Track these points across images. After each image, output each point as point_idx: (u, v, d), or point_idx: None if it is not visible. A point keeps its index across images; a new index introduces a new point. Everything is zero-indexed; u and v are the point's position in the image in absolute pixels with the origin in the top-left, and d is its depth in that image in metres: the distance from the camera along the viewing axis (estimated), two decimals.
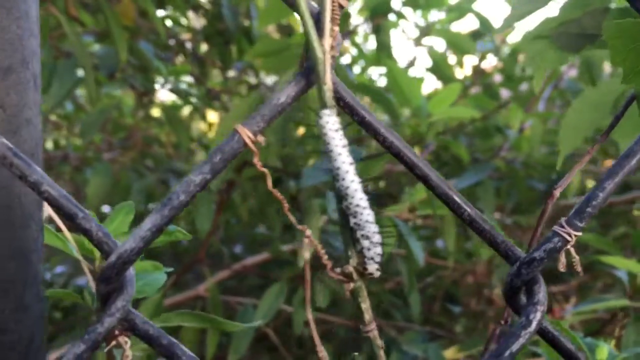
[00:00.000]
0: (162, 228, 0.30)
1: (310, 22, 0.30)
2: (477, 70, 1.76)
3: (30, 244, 0.39)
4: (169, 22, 1.61)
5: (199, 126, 2.12)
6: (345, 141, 0.30)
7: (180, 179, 1.51)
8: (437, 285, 1.62)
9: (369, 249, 0.31)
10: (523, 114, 1.48)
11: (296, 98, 0.31)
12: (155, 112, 1.86)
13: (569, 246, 0.32)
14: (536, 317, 0.32)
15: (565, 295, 1.71)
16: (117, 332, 0.50)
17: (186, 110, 1.86)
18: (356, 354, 0.32)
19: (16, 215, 0.38)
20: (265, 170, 0.31)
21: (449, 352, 1.35)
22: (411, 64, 1.64)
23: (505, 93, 1.80)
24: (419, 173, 0.34)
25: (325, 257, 0.32)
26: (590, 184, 1.92)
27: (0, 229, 0.37)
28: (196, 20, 1.79)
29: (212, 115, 2.00)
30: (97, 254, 0.56)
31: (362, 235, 0.31)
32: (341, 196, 0.31)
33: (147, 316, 0.59)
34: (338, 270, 0.32)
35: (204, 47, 1.76)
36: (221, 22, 1.56)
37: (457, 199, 0.34)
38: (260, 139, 0.30)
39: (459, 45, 1.49)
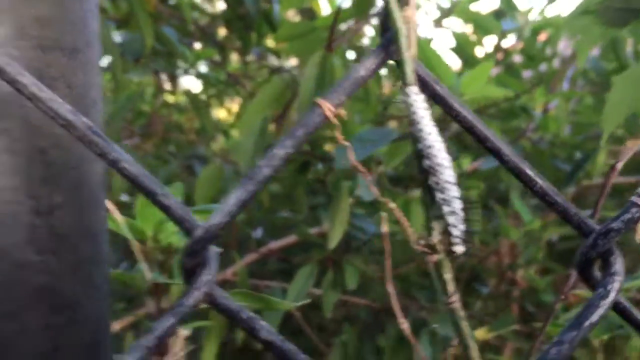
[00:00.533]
0: (247, 202, 0.30)
1: None
2: (499, 50, 1.74)
3: (98, 224, 0.40)
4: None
5: (217, 112, 2.12)
6: (432, 119, 0.31)
7: (204, 165, 1.52)
8: (461, 266, 1.62)
9: (455, 226, 0.31)
10: (547, 94, 1.47)
11: (376, 71, 0.32)
12: (174, 99, 1.86)
13: None
14: (614, 287, 0.32)
15: None
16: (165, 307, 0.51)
17: (204, 97, 1.86)
18: (437, 325, 0.33)
19: (85, 195, 0.39)
20: (347, 143, 0.31)
21: (479, 333, 1.35)
22: (430, 42, 1.63)
23: (526, 74, 1.79)
24: (490, 146, 0.34)
25: (411, 230, 0.32)
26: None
27: (71, 208, 0.37)
28: (214, 5, 1.79)
29: (231, 102, 2.00)
30: (149, 235, 0.57)
31: (449, 212, 0.31)
32: (430, 173, 0.31)
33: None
34: (422, 242, 0.32)
35: (222, 32, 1.76)
36: (242, 7, 1.56)
37: (529, 172, 0.34)
38: (342, 112, 0.30)
39: (483, 25, 1.48)
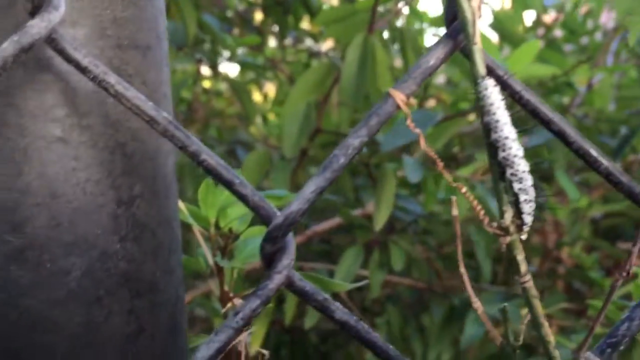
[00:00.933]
0: (324, 189, 0.31)
1: None
2: (540, 25, 1.72)
3: (172, 212, 0.42)
4: None
5: (256, 97, 2.14)
6: (505, 113, 0.32)
7: (248, 150, 1.54)
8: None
9: (526, 202, 0.32)
10: (591, 68, 1.45)
11: (445, 60, 0.33)
12: (214, 85, 1.88)
13: None
14: None
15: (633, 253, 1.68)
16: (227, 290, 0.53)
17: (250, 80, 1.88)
18: (505, 304, 0.34)
19: (160, 185, 0.41)
20: (419, 131, 0.32)
21: (524, 311, 1.36)
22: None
23: (567, 47, 1.76)
24: (555, 129, 0.35)
25: (482, 212, 0.33)
26: None
27: (149, 198, 0.39)
28: None
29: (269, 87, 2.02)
30: (212, 221, 0.59)
31: (520, 189, 0.32)
32: (506, 165, 0.32)
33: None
34: (495, 224, 0.33)
35: (258, 17, 1.77)
36: None
37: (593, 152, 0.35)
38: (412, 101, 0.32)
39: (526, 2, 1.46)
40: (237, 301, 0.60)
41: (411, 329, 1.48)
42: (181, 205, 0.57)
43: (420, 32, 1.69)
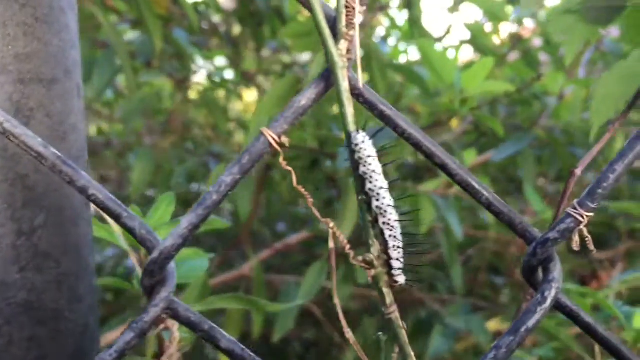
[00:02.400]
0: (198, 226, 0.32)
1: (326, 30, 0.32)
2: (515, 37, 1.73)
3: (81, 239, 0.43)
4: (202, 7, 1.64)
5: (237, 107, 2.14)
6: (379, 163, 0.33)
7: (219, 162, 1.55)
8: (480, 257, 1.62)
9: (394, 248, 0.33)
10: (564, 79, 1.46)
11: (316, 100, 0.34)
12: (194, 96, 1.89)
13: (581, 226, 0.33)
14: (551, 294, 0.34)
15: (611, 261, 1.70)
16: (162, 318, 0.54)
17: (222, 92, 1.89)
18: (380, 333, 0.35)
19: (67, 215, 0.41)
20: (290, 169, 0.33)
21: (492, 324, 1.37)
22: (447, 32, 1.64)
23: (544, 57, 1.77)
24: (438, 162, 0.36)
25: (348, 246, 0.34)
26: None
27: (53, 228, 0.40)
28: (228, 2, 1.81)
29: (250, 95, 2.02)
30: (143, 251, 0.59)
31: (390, 236, 0.34)
32: (378, 214, 0.34)
33: (193, 298, 0.63)
34: (360, 258, 0.34)
35: (237, 29, 1.78)
36: (253, 3, 1.58)
37: (475, 184, 0.36)
38: (284, 139, 0.33)
39: (494, 12, 1.48)
40: (170, 322, 0.62)
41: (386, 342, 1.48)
42: (115, 227, 0.58)
43: (398, 41, 1.71)
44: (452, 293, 1.51)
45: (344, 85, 0.32)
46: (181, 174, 1.51)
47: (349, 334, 0.34)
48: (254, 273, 1.30)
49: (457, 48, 1.60)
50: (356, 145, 0.34)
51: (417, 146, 0.36)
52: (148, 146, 1.63)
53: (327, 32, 0.32)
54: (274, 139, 0.32)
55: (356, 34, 0.32)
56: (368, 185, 0.34)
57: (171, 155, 1.63)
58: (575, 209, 0.33)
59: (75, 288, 0.42)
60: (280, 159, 0.33)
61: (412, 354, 0.34)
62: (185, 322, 0.34)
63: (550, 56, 1.72)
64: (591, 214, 0.33)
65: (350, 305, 1.42)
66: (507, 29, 1.72)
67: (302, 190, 0.33)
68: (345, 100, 0.33)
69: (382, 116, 0.35)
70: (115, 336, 1.08)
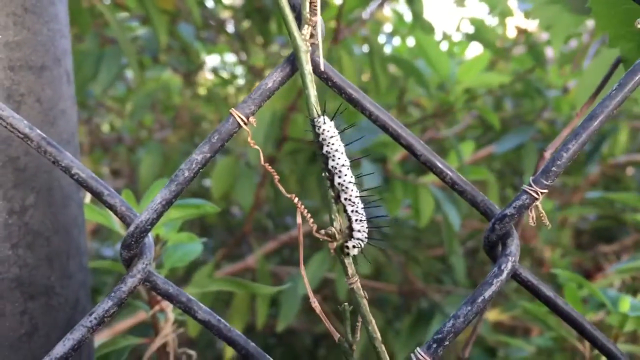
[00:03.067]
0: (172, 201, 0.34)
1: (290, 15, 0.34)
2: (521, 30, 1.74)
3: (71, 220, 0.45)
4: (210, 3, 1.66)
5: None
6: (341, 143, 0.35)
7: (225, 155, 1.57)
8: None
9: (357, 221, 0.35)
10: (569, 72, 1.46)
11: (282, 83, 0.36)
12: (202, 91, 1.92)
13: (537, 203, 0.35)
14: (507, 266, 0.35)
15: (617, 254, 1.70)
16: (154, 294, 0.56)
17: (232, 87, 1.91)
18: (345, 304, 0.37)
19: (57, 195, 0.44)
20: (257, 147, 0.35)
21: (492, 314, 1.38)
22: (457, 28, 1.65)
23: (551, 51, 1.77)
24: (404, 142, 0.37)
25: (312, 220, 0.36)
26: None
27: (44, 208, 0.42)
28: None
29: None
30: None
31: (352, 211, 0.35)
32: (340, 190, 0.36)
33: (198, 286, 0.65)
34: (323, 231, 0.36)
35: (245, 25, 1.80)
36: None
37: (439, 164, 0.37)
38: (252, 120, 0.35)
39: (493, 3, 1.49)
40: (164, 303, 0.64)
41: (391, 333, 1.51)
42: (110, 211, 0.60)
43: (404, 38, 1.72)
44: (456, 285, 1.52)
45: (307, 69, 0.34)
46: None
47: (314, 303, 0.36)
48: (258, 264, 1.33)
49: (464, 43, 1.61)
50: (319, 127, 0.36)
51: (384, 128, 0.37)
52: (157, 141, 1.66)
53: (290, 17, 0.34)
54: (242, 119, 0.34)
55: (319, 19, 0.34)
56: (330, 163, 0.36)
57: (180, 149, 1.66)
58: (530, 186, 0.35)
59: (65, 266, 0.44)
60: (249, 139, 0.35)
61: (373, 321, 0.36)
62: (164, 294, 0.36)
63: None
64: (545, 191, 0.35)
65: (348, 299, 1.43)
66: (513, 23, 1.73)
67: (270, 168, 0.35)
68: (308, 82, 0.35)
69: (350, 99, 0.37)
70: (122, 327, 1.11)
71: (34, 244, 0.41)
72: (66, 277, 0.44)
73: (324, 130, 0.35)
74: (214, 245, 1.66)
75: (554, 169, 0.35)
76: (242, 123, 0.34)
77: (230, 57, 1.77)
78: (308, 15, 0.34)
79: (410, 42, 1.74)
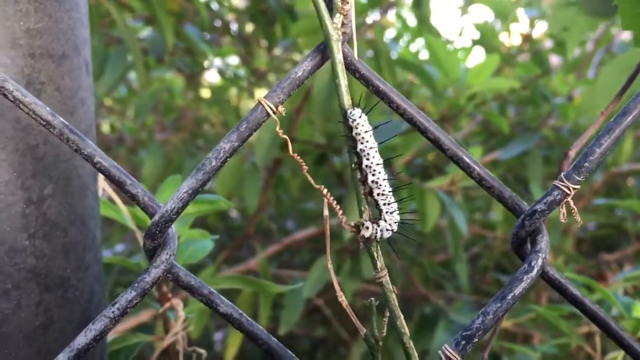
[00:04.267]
0: (198, 190, 0.34)
1: (322, 3, 0.33)
2: (526, 38, 1.74)
3: (88, 211, 0.44)
4: (214, 5, 1.65)
5: (248, 104, 2.16)
6: (374, 141, 0.34)
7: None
8: (488, 256, 1.63)
9: (391, 215, 0.35)
10: (574, 80, 1.46)
11: (312, 72, 0.35)
12: (205, 93, 1.92)
13: (568, 199, 0.34)
14: (537, 263, 0.35)
15: (619, 263, 1.70)
16: (165, 291, 0.55)
17: (234, 90, 1.91)
18: (372, 299, 0.36)
19: (75, 185, 0.43)
20: (286, 137, 0.34)
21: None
22: (460, 34, 1.65)
23: (556, 59, 1.78)
24: (431, 137, 0.37)
25: (340, 212, 0.35)
26: None
27: (61, 198, 0.42)
28: (241, 1, 1.83)
29: (261, 93, 2.04)
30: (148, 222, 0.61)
31: (387, 212, 0.35)
32: (373, 187, 0.35)
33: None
34: (352, 223, 0.36)
35: (249, 28, 1.80)
36: (264, 2, 1.60)
37: (466, 159, 0.37)
38: (281, 109, 0.34)
39: (503, 13, 1.49)
40: (175, 301, 0.63)
41: (392, 339, 1.50)
42: (122, 206, 0.60)
43: (409, 43, 1.72)
44: (458, 291, 1.52)
45: (338, 58, 0.34)
46: (191, 170, 1.52)
47: (341, 297, 0.35)
48: (260, 267, 1.32)
49: (469, 49, 1.61)
50: (353, 121, 0.35)
51: (411, 121, 0.37)
52: (159, 142, 1.66)
53: (322, 5, 0.33)
54: (270, 108, 0.34)
55: (352, 8, 0.33)
56: (365, 162, 0.35)
57: (182, 150, 1.65)
58: (562, 181, 0.34)
59: (81, 257, 0.43)
60: (277, 128, 0.34)
61: (402, 316, 0.35)
62: (186, 286, 0.36)
63: (560, 57, 1.73)
64: (577, 187, 0.34)
65: (357, 302, 1.43)
66: (518, 29, 1.73)
67: (302, 162, 0.35)
68: (339, 72, 0.34)
69: (377, 91, 0.36)
70: (124, 327, 1.10)
71: (51, 234, 0.41)
72: (82, 269, 0.43)
73: (358, 124, 0.34)
74: (214, 248, 1.65)
75: (586, 164, 0.34)
76: (271, 112, 0.33)
77: (234, 60, 1.77)
78: (340, 4, 0.33)
79: (414, 47, 1.75)
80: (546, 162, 1.45)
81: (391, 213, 0.35)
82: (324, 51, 0.35)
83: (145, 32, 1.55)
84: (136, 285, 0.33)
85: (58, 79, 0.42)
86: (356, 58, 0.35)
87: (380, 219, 0.35)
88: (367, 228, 0.34)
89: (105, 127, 2.06)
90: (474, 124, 1.54)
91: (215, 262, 1.37)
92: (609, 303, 0.75)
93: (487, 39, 1.55)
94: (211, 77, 1.88)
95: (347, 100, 0.35)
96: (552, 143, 1.48)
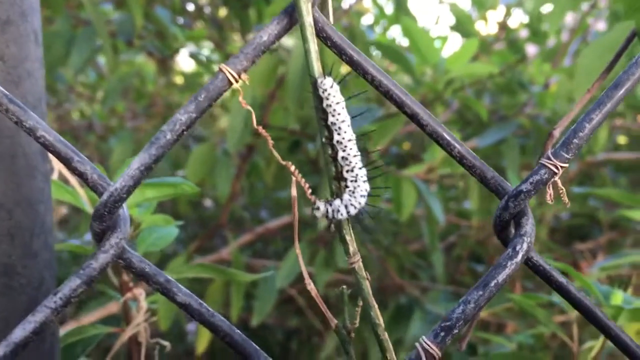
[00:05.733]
0: (151, 166, 0.31)
1: None
2: (502, 26, 1.73)
3: (37, 194, 0.41)
4: None
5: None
6: (347, 114, 0.32)
7: (201, 144, 1.53)
8: (462, 245, 1.62)
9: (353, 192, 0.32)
10: (550, 69, 1.45)
11: (279, 36, 0.32)
12: (178, 79, 1.87)
13: (555, 178, 0.32)
14: (522, 247, 0.32)
15: (593, 252, 1.70)
16: (126, 280, 0.52)
17: (207, 76, 1.87)
18: (344, 287, 0.33)
19: (20, 164, 0.39)
20: (249, 108, 0.31)
21: None
22: (436, 22, 1.63)
23: (532, 49, 1.77)
24: (409, 111, 0.34)
25: (310, 191, 0.32)
26: (622, 140, 1.90)
27: (5, 177, 0.38)
28: None
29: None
30: None
31: (351, 189, 0.32)
32: (343, 165, 0.32)
33: (173, 273, 0.61)
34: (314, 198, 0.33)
35: (223, 12, 1.76)
36: None
37: (446, 136, 0.34)
38: (244, 77, 0.31)
39: (481, 0, 1.47)
40: (137, 291, 0.60)
41: (366, 328, 1.48)
42: (78, 189, 0.56)
43: (385, 29, 1.70)
44: (433, 281, 1.50)
45: (308, 20, 0.31)
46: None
47: (310, 285, 0.32)
48: (232, 256, 1.29)
49: (445, 37, 1.59)
50: (324, 91, 0.32)
51: (388, 94, 0.34)
52: (129, 129, 1.61)
53: None
54: (232, 75, 0.30)
55: None
56: (336, 137, 0.32)
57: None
58: (549, 159, 0.32)
59: (29, 243, 0.40)
60: (240, 98, 0.31)
61: (376, 306, 0.32)
62: (140, 273, 0.32)
63: (537, 46, 1.72)
64: (566, 165, 0.32)
65: (330, 292, 1.41)
66: (494, 18, 1.71)
67: (268, 136, 0.31)
68: (309, 35, 0.31)
69: (351, 62, 0.33)
70: (89, 320, 1.06)
71: None
72: (29, 255, 0.39)
73: (329, 94, 0.31)
74: (185, 238, 1.61)
75: (575, 141, 0.32)
76: (232, 80, 0.30)
77: (207, 44, 1.73)
78: None
79: (391, 33, 1.72)
80: (522, 151, 1.44)
81: (357, 188, 0.32)
82: (292, 14, 0.32)
83: (115, 15, 1.50)
84: (81, 272, 0.30)
85: (1, 46, 0.38)
86: (329, 23, 0.32)
87: (343, 194, 0.32)
88: (319, 208, 0.31)
89: (75, 114, 2.00)
90: (450, 112, 1.52)
91: (187, 251, 1.34)
92: (586, 291, 0.73)
93: (463, 24, 1.53)
94: (183, 63, 1.83)
95: (317, 67, 0.32)
96: (528, 132, 1.47)
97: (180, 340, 1.50)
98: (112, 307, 1.08)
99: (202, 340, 1.27)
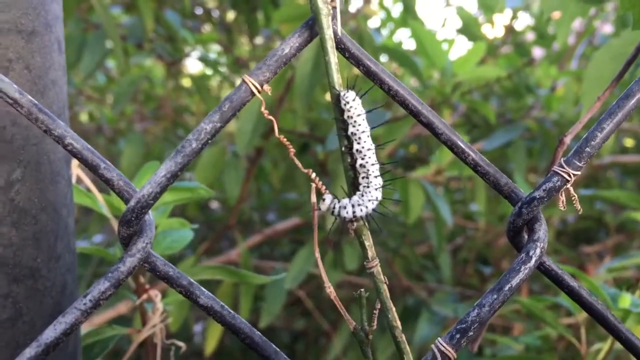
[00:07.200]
0: (177, 174, 0.32)
1: None
2: (509, 29, 1.74)
3: (60, 198, 0.42)
4: None
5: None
6: (367, 124, 0.33)
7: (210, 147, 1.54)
8: (469, 247, 1.63)
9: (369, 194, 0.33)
10: (556, 72, 1.46)
11: (300, 49, 0.33)
12: (186, 83, 1.88)
13: (568, 185, 0.33)
14: (536, 253, 0.33)
15: (599, 255, 1.70)
16: (142, 282, 0.53)
17: (215, 80, 1.88)
18: (361, 290, 0.34)
19: (46, 171, 0.40)
20: (271, 117, 0.32)
21: None
22: (442, 25, 1.64)
23: (538, 52, 1.77)
24: (424, 120, 0.35)
25: (327, 191, 0.33)
26: (629, 142, 1.90)
27: (31, 183, 0.39)
28: None
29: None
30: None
31: (370, 196, 0.33)
32: (362, 172, 0.33)
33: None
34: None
35: (231, 16, 1.77)
36: None
37: (461, 144, 0.35)
38: (267, 88, 0.32)
39: (487, 3, 1.47)
40: (153, 292, 0.61)
41: (375, 330, 1.48)
42: (96, 194, 0.57)
43: (392, 32, 1.71)
44: (440, 283, 1.51)
45: (329, 33, 0.32)
46: None
47: (329, 289, 0.33)
48: (241, 258, 1.30)
49: (452, 41, 1.60)
50: (346, 104, 0.33)
51: (404, 104, 0.35)
52: (138, 132, 1.62)
53: None
54: (255, 86, 0.31)
55: None
56: (356, 146, 0.33)
57: (162, 140, 1.62)
58: (562, 167, 0.33)
59: (53, 246, 0.41)
60: (262, 108, 0.32)
61: (394, 309, 0.33)
62: (164, 277, 0.33)
63: (543, 49, 1.72)
64: (578, 173, 0.33)
65: (338, 294, 1.41)
66: (501, 21, 1.72)
67: (289, 145, 0.32)
68: (329, 48, 0.32)
69: (368, 72, 0.34)
70: (100, 320, 1.07)
71: (20, 222, 0.38)
72: (54, 259, 0.41)
73: (351, 107, 0.32)
74: (194, 240, 1.62)
75: (587, 149, 0.32)
76: (255, 91, 0.31)
77: (216, 48, 1.74)
78: None
79: (398, 38, 1.73)
80: (528, 154, 1.45)
81: (368, 193, 0.33)
82: (312, 27, 0.33)
83: (125, 19, 1.52)
84: (110, 275, 0.31)
85: (27, 56, 0.39)
86: (339, 33, 0.33)
87: (353, 196, 0.33)
88: (324, 200, 0.32)
89: (84, 117, 2.02)
90: (457, 115, 1.53)
91: (196, 253, 1.35)
92: (594, 294, 0.74)
93: (470, 27, 1.53)
94: (192, 66, 1.84)
95: (337, 79, 0.33)
96: (535, 135, 1.48)
97: (188, 340, 1.51)
98: (121, 308, 1.10)
99: (211, 341, 1.28)
